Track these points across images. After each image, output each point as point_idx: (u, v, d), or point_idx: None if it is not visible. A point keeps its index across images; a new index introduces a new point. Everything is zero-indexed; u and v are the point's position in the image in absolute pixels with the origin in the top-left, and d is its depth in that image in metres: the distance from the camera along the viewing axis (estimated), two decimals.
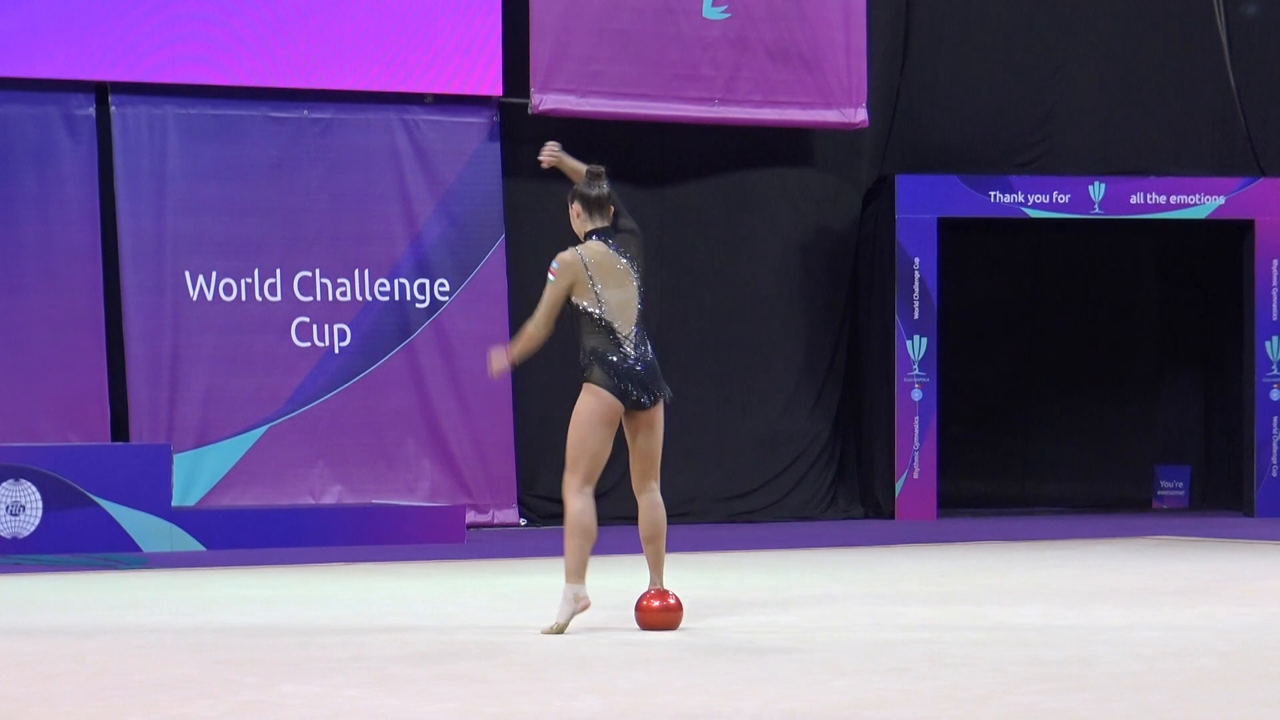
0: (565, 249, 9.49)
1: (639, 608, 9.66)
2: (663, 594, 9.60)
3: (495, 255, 19.63)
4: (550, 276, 9.34)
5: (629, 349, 9.29)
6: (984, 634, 10.70)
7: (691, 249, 20.32)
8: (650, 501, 9.61)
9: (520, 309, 18.28)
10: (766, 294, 21.11)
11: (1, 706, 8.21)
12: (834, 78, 20.55)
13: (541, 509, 19.62)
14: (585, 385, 9.41)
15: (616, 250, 9.38)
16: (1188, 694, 8.38)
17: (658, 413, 9.50)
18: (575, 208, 9.54)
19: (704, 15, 20.00)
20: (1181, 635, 10.69)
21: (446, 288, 19.42)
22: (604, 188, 9.46)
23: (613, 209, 9.55)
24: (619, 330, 9.25)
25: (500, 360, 9.64)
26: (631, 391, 9.30)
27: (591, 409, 9.37)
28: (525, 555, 16.73)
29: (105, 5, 18.73)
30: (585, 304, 9.24)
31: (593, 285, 9.22)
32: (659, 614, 9.58)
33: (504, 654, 9.92)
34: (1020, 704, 8.00)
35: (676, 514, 18.68)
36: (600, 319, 9.22)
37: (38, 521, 16.27)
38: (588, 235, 9.40)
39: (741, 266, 20.86)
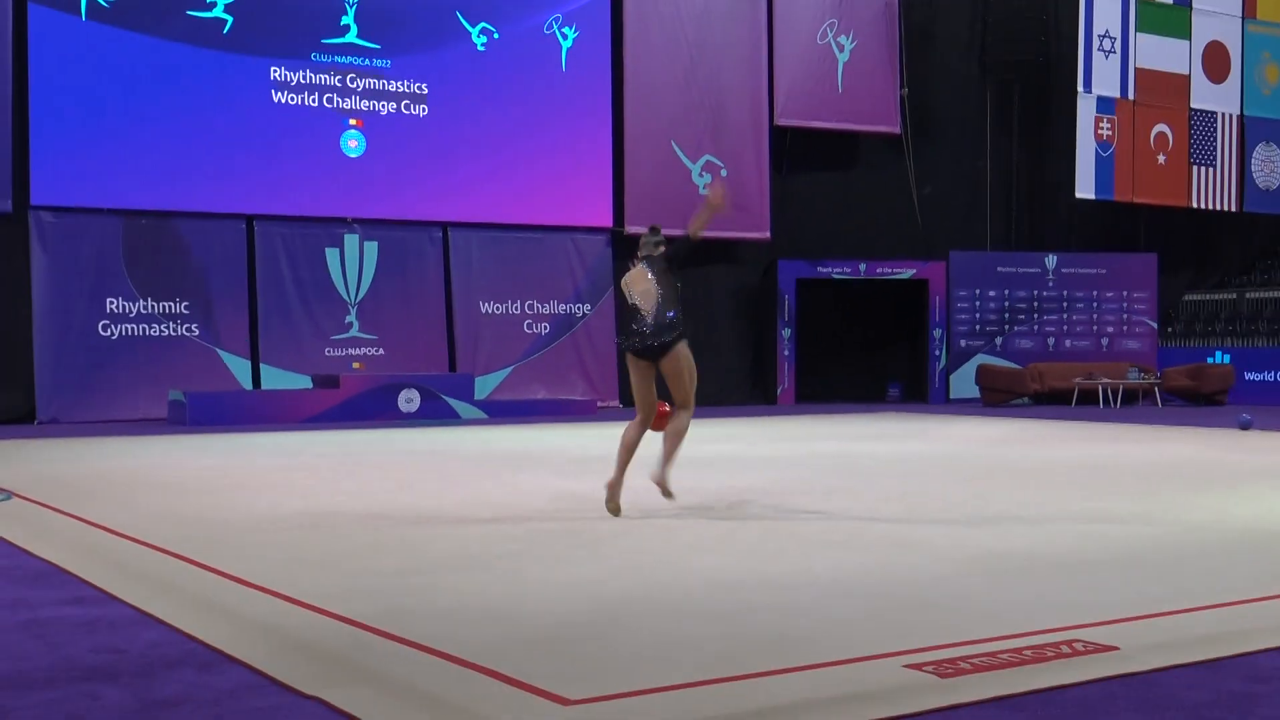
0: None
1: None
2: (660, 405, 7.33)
3: (608, 296, 20.14)
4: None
5: (646, 320, 7.08)
6: (812, 454, 11.57)
7: (686, 294, 20.81)
8: (677, 415, 7.25)
9: (622, 322, 20.02)
10: (723, 314, 21.64)
11: (396, 482, 9.14)
12: (756, 215, 21.14)
13: (628, 398, 19.14)
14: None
15: (646, 266, 7.35)
16: (911, 477, 9.32)
17: (667, 361, 7.22)
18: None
19: (701, 193, 19.62)
20: (905, 452, 11.73)
21: (589, 309, 20.35)
22: (651, 239, 7.43)
23: (661, 248, 7.40)
24: (641, 309, 7.09)
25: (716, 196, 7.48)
26: (636, 345, 7.21)
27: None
28: (622, 421, 14.93)
29: (448, 177, 19.18)
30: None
31: (629, 286, 7.26)
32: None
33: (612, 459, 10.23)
34: (828, 484, 8.93)
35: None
36: (633, 304, 7.22)
37: (418, 406, 17.40)
38: (640, 258, 7.44)
39: (710, 302, 21.17)
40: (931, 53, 23.49)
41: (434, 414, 17.54)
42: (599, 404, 19.68)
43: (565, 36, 20.15)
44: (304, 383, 18.06)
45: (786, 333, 21.51)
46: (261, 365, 18.19)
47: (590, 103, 20.28)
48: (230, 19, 18.07)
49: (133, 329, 17.61)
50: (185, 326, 17.85)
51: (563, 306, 20.26)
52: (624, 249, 19.81)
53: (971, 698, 3.47)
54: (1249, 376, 21.59)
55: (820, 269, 21.77)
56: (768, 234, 21.40)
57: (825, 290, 22.12)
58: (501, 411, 18.22)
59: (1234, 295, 24.60)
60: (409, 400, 17.56)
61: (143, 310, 17.63)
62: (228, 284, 18.09)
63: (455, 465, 10.62)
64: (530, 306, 20.09)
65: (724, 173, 20.99)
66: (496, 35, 19.71)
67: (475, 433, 14.93)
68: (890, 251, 22.55)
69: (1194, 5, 23.90)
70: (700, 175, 20.85)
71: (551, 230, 20.10)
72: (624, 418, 17.04)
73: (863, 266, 21.93)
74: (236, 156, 18.04)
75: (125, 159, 17.47)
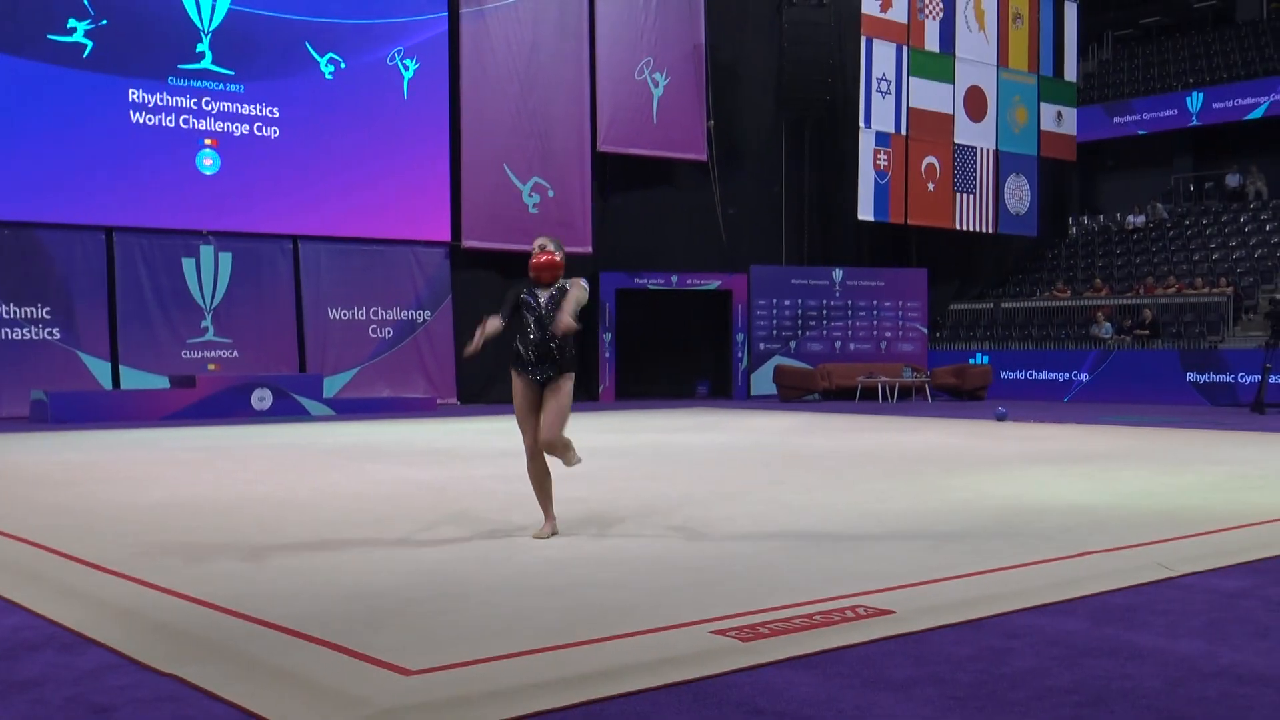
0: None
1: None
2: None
3: (446, 303, 19.95)
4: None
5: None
6: (632, 444, 11.52)
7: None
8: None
9: (459, 327, 18.91)
10: None
11: (251, 474, 9.06)
12: (579, 231, 21.02)
13: (465, 396, 20.12)
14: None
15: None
16: (717, 466, 9.32)
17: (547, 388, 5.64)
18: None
19: (530, 211, 20.33)
20: (713, 442, 11.84)
21: (429, 315, 19.94)
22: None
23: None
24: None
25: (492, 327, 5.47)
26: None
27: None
28: (460, 416, 16.71)
29: (298, 194, 18.66)
30: None
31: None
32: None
33: (457, 451, 10.73)
34: (646, 470, 8.93)
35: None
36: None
37: (270, 404, 17.01)
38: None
39: None
40: (735, 90, 23.67)
41: (285, 411, 17.16)
42: (438, 401, 19.50)
43: (407, 68, 19.94)
44: (162, 383, 17.42)
45: (607, 337, 21.49)
46: (121, 366, 17.48)
47: (430, 128, 20.07)
48: (90, 44, 17.41)
49: None
50: (47, 330, 17.13)
51: (405, 313, 19.98)
52: (461, 261, 19.98)
53: (769, 658, 3.50)
54: (1004, 375, 22.03)
55: (637, 280, 21.83)
56: (590, 248, 21.40)
57: (642, 299, 22.13)
58: (348, 409, 17.92)
59: (991, 305, 25.26)
60: (262, 399, 17.13)
61: (5, 315, 16.90)
62: (88, 291, 17.43)
63: (307, 458, 10.34)
64: (375, 313, 19.77)
65: (551, 193, 20.94)
66: (343, 65, 19.41)
67: (325, 428, 14.66)
68: (699, 265, 22.72)
69: (957, 54, 24.61)
70: (530, 195, 20.76)
71: (394, 244, 19.83)
72: (461, 414, 16.79)
73: (675, 278, 22.02)
74: (97, 171, 17.41)
75: None
